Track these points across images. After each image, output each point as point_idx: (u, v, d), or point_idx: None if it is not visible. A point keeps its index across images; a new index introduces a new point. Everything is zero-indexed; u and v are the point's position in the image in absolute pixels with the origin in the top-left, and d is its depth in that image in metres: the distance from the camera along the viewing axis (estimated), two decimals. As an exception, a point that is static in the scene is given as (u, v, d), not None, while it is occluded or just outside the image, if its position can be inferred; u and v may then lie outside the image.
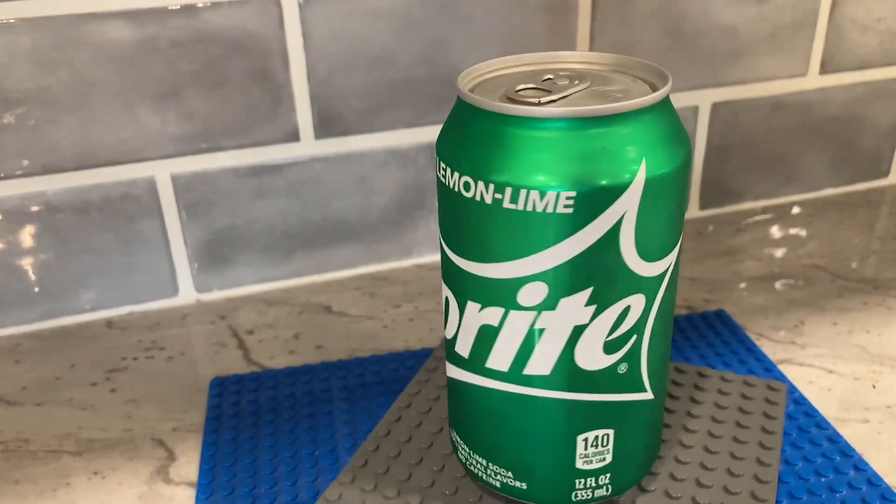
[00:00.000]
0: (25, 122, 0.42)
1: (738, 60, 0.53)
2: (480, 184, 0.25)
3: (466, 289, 0.28)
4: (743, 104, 0.55)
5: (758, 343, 0.42)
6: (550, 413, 0.28)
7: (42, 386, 0.42)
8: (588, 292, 0.26)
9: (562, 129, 0.24)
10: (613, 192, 0.24)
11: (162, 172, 0.45)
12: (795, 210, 0.58)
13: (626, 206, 0.25)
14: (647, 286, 0.27)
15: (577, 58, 0.30)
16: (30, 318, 0.47)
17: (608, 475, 0.29)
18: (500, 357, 0.28)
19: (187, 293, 0.49)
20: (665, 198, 0.26)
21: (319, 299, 0.49)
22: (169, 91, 0.44)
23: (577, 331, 0.26)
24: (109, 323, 0.47)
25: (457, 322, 0.29)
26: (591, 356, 0.27)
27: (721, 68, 0.53)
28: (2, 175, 0.43)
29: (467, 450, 0.31)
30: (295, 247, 0.50)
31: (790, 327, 0.44)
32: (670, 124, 0.26)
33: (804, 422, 0.36)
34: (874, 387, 0.39)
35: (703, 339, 0.42)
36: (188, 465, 0.36)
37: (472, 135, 0.26)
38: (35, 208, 0.44)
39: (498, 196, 0.25)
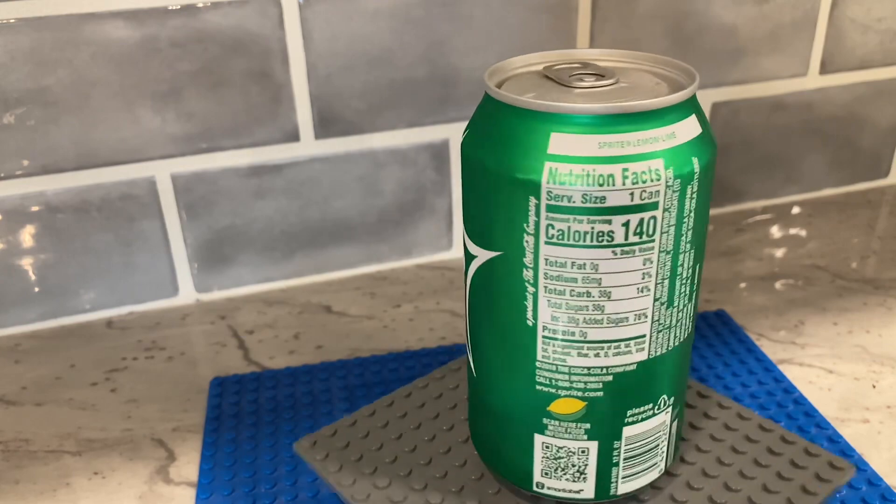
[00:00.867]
0: (25, 122, 0.42)
1: (738, 60, 0.53)
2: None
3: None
4: (743, 104, 0.55)
5: (758, 343, 0.43)
6: None
7: (42, 386, 0.42)
8: None
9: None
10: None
11: (162, 172, 0.45)
12: (795, 210, 0.58)
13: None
14: None
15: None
16: (30, 318, 0.47)
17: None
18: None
19: (187, 293, 0.49)
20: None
21: (319, 299, 0.49)
22: (169, 91, 0.44)
23: None
24: (109, 323, 0.47)
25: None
26: None
27: (721, 68, 0.53)
28: (2, 175, 0.43)
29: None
30: (295, 247, 0.50)
31: (790, 327, 0.44)
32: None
33: (804, 422, 0.36)
34: (874, 387, 0.39)
35: (703, 339, 0.42)
36: (188, 465, 0.36)
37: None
38: (35, 208, 0.44)
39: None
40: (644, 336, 0.27)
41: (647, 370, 0.27)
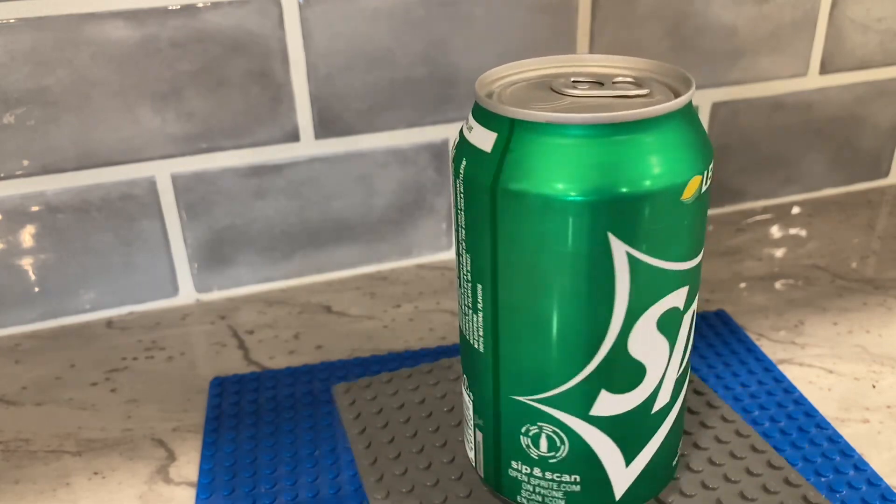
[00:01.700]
0: (25, 122, 0.42)
1: (738, 60, 0.53)
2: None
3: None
4: (743, 104, 0.55)
5: (758, 343, 0.42)
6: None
7: (42, 386, 0.42)
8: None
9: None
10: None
11: (162, 172, 0.45)
12: (795, 210, 0.58)
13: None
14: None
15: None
16: (30, 318, 0.47)
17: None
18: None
19: (187, 293, 0.49)
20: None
21: (319, 299, 0.49)
22: (169, 91, 0.44)
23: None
24: (109, 323, 0.47)
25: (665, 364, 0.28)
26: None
27: (721, 68, 0.53)
28: (2, 175, 0.43)
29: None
30: (295, 247, 0.50)
31: (790, 327, 0.44)
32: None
33: (804, 422, 0.36)
34: (874, 387, 0.39)
35: (703, 339, 0.42)
36: (188, 465, 0.36)
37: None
38: (35, 208, 0.44)
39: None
40: None
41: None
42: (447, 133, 0.49)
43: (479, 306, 0.28)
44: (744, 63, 0.53)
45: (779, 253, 0.52)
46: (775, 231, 0.55)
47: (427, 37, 0.46)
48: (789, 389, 0.38)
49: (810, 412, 0.37)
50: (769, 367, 0.40)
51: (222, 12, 0.43)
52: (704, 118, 0.54)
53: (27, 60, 0.41)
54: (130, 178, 0.45)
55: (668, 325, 0.27)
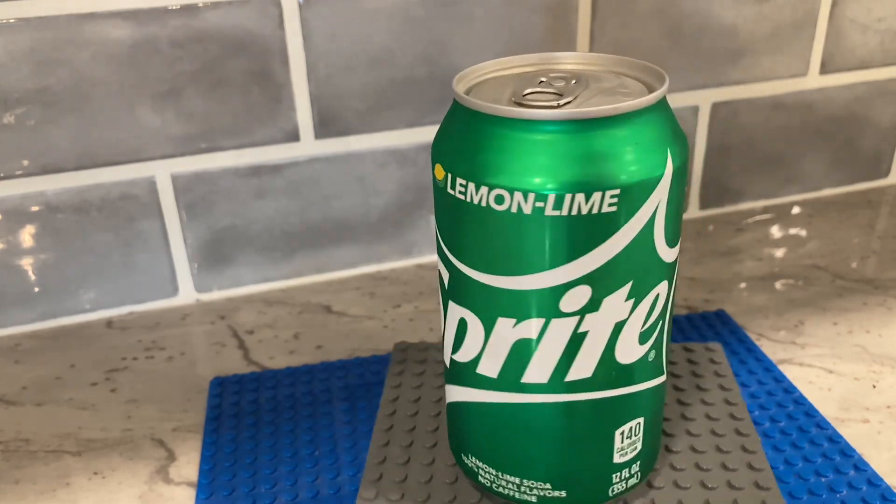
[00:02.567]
0: (25, 122, 0.42)
1: (738, 60, 0.53)
2: (518, 195, 0.25)
3: (495, 305, 0.27)
4: (743, 104, 0.55)
5: (758, 343, 0.42)
6: (592, 414, 0.28)
7: (42, 386, 0.42)
8: (628, 287, 0.26)
9: (589, 129, 0.24)
10: (650, 185, 0.25)
11: (162, 172, 0.45)
12: (795, 210, 0.58)
13: (660, 197, 0.25)
14: (669, 272, 0.27)
15: (570, 59, 0.30)
16: (30, 318, 0.47)
17: (638, 462, 0.30)
18: (540, 369, 0.27)
19: (187, 293, 0.49)
20: (681, 185, 0.26)
21: (319, 299, 0.49)
22: (169, 91, 0.44)
23: (618, 327, 0.27)
24: (109, 323, 0.47)
25: (480, 343, 0.28)
26: (629, 350, 0.27)
27: (721, 68, 0.53)
28: (2, 175, 0.43)
29: (493, 472, 0.30)
30: (295, 247, 0.50)
31: (790, 327, 0.44)
32: (675, 118, 0.27)
33: (804, 422, 0.36)
34: (874, 387, 0.39)
35: (703, 339, 0.42)
36: (188, 465, 0.36)
37: (484, 144, 0.25)
38: (35, 208, 0.44)
39: (539, 204, 0.25)
40: None
41: None
42: (447, 133, 0.49)
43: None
44: (744, 63, 0.53)
45: (779, 253, 0.52)
46: (775, 231, 0.55)
47: (427, 37, 0.46)
48: (789, 389, 0.38)
49: (810, 412, 0.37)
50: (769, 367, 0.40)
51: (222, 12, 0.43)
52: (704, 118, 0.54)
53: (27, 60, 0.41)
54: (130, 178, 0.45)
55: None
